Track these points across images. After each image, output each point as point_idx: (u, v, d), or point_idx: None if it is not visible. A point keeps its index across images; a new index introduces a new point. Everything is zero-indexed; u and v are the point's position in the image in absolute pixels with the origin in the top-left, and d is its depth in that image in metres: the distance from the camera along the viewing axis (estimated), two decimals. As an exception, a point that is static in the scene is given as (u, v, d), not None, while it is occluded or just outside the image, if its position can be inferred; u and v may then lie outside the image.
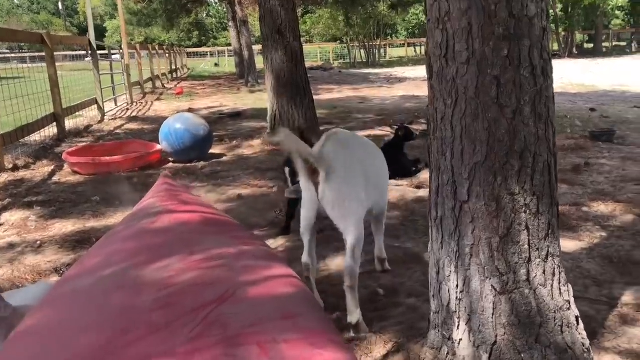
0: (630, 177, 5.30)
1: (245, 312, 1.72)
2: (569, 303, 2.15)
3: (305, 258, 2.80)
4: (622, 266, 3.28)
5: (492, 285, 2.05)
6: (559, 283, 2.12)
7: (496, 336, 2.06)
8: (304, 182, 2.70)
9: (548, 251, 2.08)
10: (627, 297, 2.91)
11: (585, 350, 2.17)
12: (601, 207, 4.41)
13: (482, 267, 2.06)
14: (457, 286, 2.14)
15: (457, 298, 2.15)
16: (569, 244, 3.65)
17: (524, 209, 2.02)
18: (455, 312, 2.16)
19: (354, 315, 2.61)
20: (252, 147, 7.71)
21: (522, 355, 2.05)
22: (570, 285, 2.19)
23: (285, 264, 2.35)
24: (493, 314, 2.06)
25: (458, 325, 2.16)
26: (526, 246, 2.04)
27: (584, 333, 2.20)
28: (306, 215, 2.76)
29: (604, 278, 3.15)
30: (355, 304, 2.62)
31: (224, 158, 7.11)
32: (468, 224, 2.07)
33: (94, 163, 6.43)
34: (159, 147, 6.92)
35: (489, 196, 2.01)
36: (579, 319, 2.20)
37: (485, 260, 2.05)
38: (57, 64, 9.52)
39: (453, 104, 2.03)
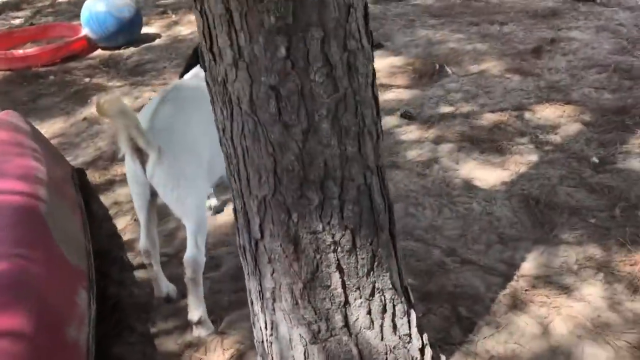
0: (596, 59, 4.62)
1: None
2: (409, 336, 1.76)
3: (143, 243, 2.38)
4: (538, 212, 2.83)
5: (300, 334, 1.65)
6: (393, 318, 1.71)
7: (311, 389, 1.71)
8: (127, 157, 2.20)
9: (374, 287, 1.64)
10: (528, 265, 2.51)
11: (432, 383, 1.82)
12: (547, 112, 3.83)
13: (287, 314, 1.64)
14: (266, 328, 1.74)
15: (267, 340, 1.76)
16: (489, 176, 3.18)
17: (332, 247, 1.54)
18: (269, 354, 1.79)
19: (195, 312, 2.26)
20: (192, 24, 6.90)
21: (342, 409, 1.71)
22: (413, 313, 1.78)
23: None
24: (306, 365, 1.68)
25: (273, 369, 1.80)
26: (340, 289, 1.60)
27: (431, 363, 1.84)
28: (137, 192, 2.30)
29: (511, 232, 2.72)
30: (197, 300, 2.26)
31: (157, 41, 6.37)
32: (266, 264, 1.61)
33: (6, 58, 5.78)
34: (83, 33, 6.17)
35: (284, 236, 1.53)
36: (425, 348, 1.82)
37: (289, 308, 1.63)
38: None
39: (229, 116, 1.46)
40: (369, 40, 1.44)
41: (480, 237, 2.71)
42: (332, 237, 1.52)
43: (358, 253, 1.57)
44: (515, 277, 2.45)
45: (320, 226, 1.50)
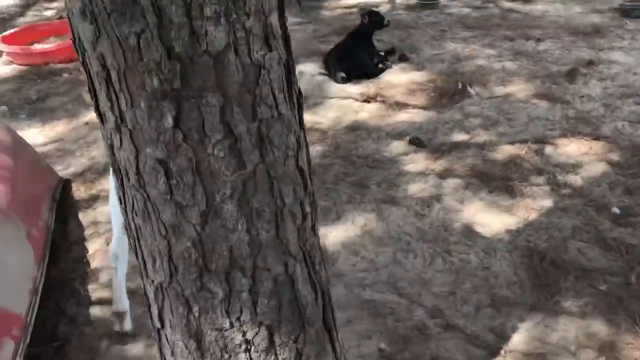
0: (637, 86, 4.19)
1: None
2: None
3: (114, 247, 2.27)
4: (541, 271, 2.50)
5: None
6: (325, 422, 1.44)
7: None
8: None
9: (301, 389, 1.38)
10: (519, 337, 2.19)
11: None
12: (570, 148, 3.46)
13: (196, 414, 1.39)
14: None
15: None
16: (493, 221, 2.85)
17: (244, 347, 1.28)
18: None
19: None
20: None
21: None
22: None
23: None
24: None
25: None
26: (256, 394, 1.34)
27: None
28: None
29: (507, 294, 2.40)
30: None
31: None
32: (170, 357, 1.36)
33: (25, 53, 5.71)
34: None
35: (184, 331, 1.28)
36: None
37: (197, 408, 1.37)
38: None
39: (120, 184, 1.22)
40: (292, 105, 1.17)
41: (472, 297, 2.40)
42: (243, 335, 1.27)
43: (278, 353, 1.31)
44: (502, 352, 2.14)
45: (227, 323, 1.25)
